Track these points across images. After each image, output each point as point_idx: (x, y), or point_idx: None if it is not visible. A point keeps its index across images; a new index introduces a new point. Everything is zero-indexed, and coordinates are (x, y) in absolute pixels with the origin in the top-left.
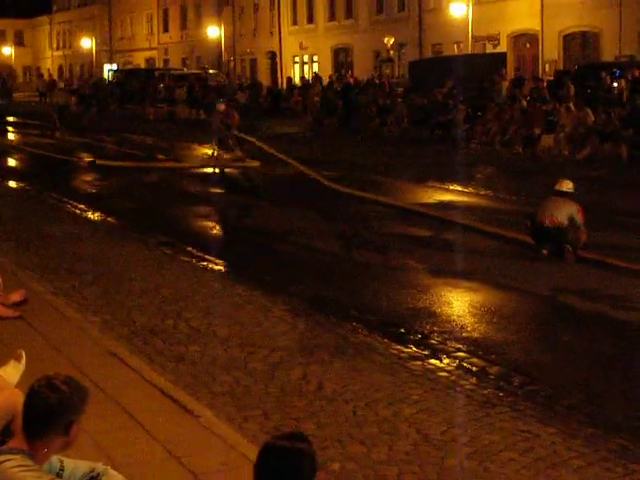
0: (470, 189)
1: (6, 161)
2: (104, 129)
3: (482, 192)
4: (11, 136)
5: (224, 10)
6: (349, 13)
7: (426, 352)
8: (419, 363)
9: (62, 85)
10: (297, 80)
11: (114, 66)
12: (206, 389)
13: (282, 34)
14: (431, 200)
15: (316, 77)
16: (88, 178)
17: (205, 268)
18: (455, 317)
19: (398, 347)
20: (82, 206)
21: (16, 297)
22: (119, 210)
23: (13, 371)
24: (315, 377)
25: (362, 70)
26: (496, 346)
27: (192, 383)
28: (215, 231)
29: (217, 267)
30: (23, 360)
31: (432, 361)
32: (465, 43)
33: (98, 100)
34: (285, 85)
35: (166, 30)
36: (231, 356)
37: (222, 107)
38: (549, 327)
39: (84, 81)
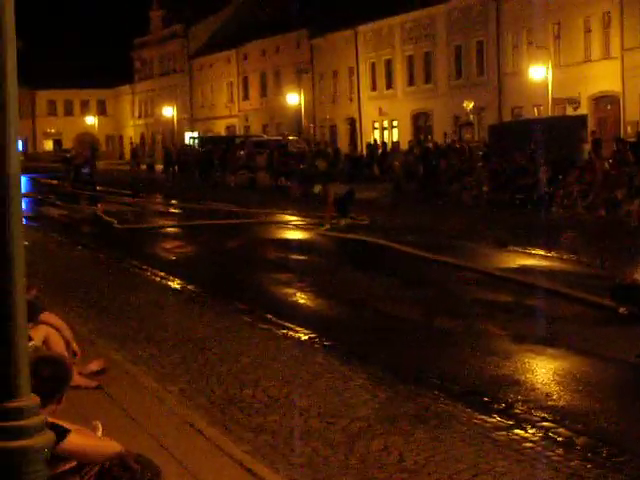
0: (552, 253)
1: (88, 229)
2: (186, 196)
3: (564, 256)
4: (97, 204)
5: (303, 77)
6: (428, 78)
7: (510, 422)
8: (503, 433)
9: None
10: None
11: (195, 134)
12: (284, 460)
13: (361, 100)
14: (513, 265)
15: (395, 144)
16: (169, 245)
17: (285, 335)
18: (539, 385)
19: (481, 417)
20: (162, 273)
21: (94, 366)
22: (199, 277)
23: None
24: (396, 448)
25: (442, 134)
26: (582, 415)
27: (270, 454)
28: (295, 298)
29: (297, 334)
30: (99, 432)
31: (517, 431)
32: (545, 106)
33: (183, 167)
34: (365, 151)
35: (246, 97)
36: (310, 426)
37: (319, 188)
38: (636, 394)
39: (170, 148)
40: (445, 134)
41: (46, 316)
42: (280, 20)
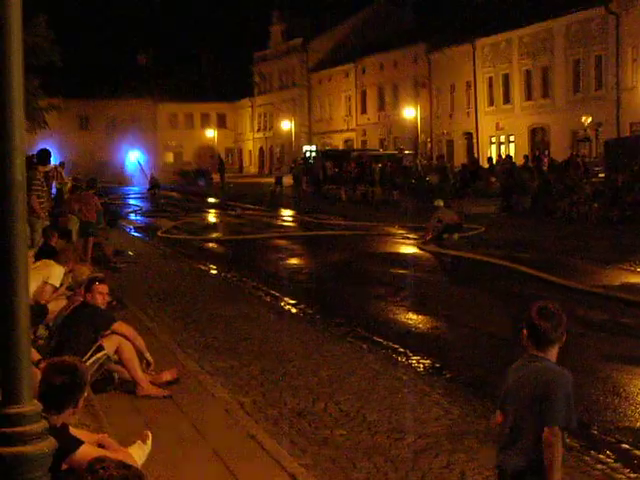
0: None
1: (193, 240)
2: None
3: None
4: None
5: (420, 91)
6: (545, 93)
7: (583, 443)
8: (574, 454)
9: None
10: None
11: (312, 147)
12: (343, 475)
13: (478, 114)
14: (615, 282)
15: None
16: (272, 257)
17: (369, 349)
18: (619, 405)
19: None
20: (259, 285)
21: (167, 376)
22: (296, 289)
23: (138, 451)
24: (459, 466)
25: (559, 150)
26: None
27: (330, 468)
28: (387, 311)
29: (381, 349)
30: (149, 441)
31: (589, 452)
32: None
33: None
34: (478, 165)
35: (364, 111)
36: (376, 442)
37: (441, 203)
38: None
39: (296, 162)
40: (547, 151)
41: (119, 326)
42: (398, 34)
